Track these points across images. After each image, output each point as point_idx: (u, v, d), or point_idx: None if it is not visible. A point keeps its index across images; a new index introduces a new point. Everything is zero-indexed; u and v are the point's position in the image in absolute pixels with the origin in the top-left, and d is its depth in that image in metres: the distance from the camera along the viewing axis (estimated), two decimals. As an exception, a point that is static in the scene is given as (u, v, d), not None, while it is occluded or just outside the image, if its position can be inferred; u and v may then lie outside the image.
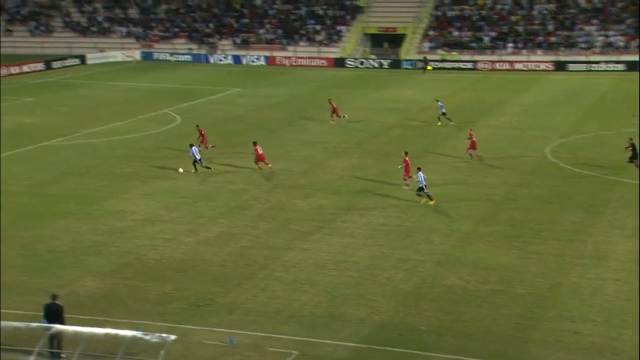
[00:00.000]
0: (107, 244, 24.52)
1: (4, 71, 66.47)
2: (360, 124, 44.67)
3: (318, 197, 29.79)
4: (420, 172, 28.23)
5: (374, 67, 73.35)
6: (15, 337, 16.55)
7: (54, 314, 17.09)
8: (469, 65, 70.45)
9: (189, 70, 72.98)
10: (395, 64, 73.71)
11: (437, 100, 44.98)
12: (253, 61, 77.60)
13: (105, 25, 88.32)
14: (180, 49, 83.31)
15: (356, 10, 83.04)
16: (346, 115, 44.56)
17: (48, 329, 16.25)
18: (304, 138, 40.87)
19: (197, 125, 36.95)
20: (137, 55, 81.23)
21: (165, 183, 31.79)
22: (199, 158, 32.74)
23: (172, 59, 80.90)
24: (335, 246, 24.45)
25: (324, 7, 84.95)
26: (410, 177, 29.58)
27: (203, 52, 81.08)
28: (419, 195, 28.29)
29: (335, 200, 29.37)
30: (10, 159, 35.26)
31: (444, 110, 43.19)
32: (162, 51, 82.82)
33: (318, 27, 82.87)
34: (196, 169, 32.69)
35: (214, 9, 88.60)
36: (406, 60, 74.15)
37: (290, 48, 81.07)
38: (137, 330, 16.82)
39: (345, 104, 52.26)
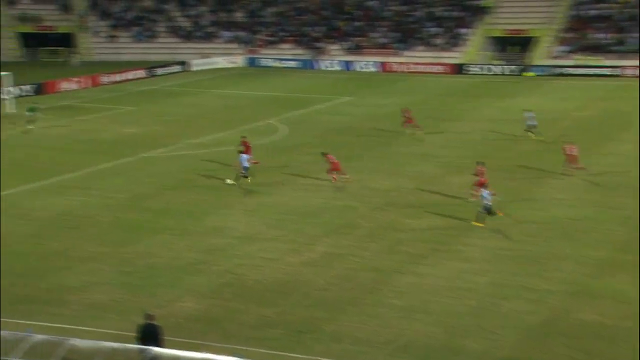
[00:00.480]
0: (205, 262, 25.17)
1: (106, 79, 70.10)
2: (482, 136, 43.93)
3: (432, 216, 29.48)
4: (484, 190, 27.90)
5: (499, 74, 72.00)
6: (110, 358, 17.17)
7: (150, 335, 17.15)
8: (611, 72, 67.79)
9: (296, 77, 74.26)
10: (524, 70, 72.02)
11: (527, 110, 43.67)
12: (364, 67, 78.05)
13: (210, 29, 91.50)
14: (287, 54, 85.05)
15: (480, 11, 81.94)
16: (420, 127, 44.19)
17: (144, 350, 16.47)
18: (418, 151, 40.63)
19: (243, 137, 37.27)
20: (241, 61, 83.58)
21: (267, 198, 32.37)
22: (246, 166, 33.43)
23: (278, 65, 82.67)
24: (452, 271, 24.04)
25: (444, 8, 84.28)
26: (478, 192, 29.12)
27: (311, 57, 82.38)
28: (480, 214, 27.77)
29: (451, 220, 28.93)
30: (109, 171, 37.01)
31: (530, 122, 42.10)
32: (268, 57, 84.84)
33: (437, 30, 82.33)
34: (238, 178, 33.59)
35: (324, 12, 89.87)
36: (536, 65, 72.37)
37: (406, 53, 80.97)
38: (235, 356, 17.06)
39: (466, 114, 51.45)
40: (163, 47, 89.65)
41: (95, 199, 32.25)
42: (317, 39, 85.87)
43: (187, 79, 74.18)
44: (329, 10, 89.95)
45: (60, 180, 35.17)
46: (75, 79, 66.81)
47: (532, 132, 42.12)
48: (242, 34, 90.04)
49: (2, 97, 56.87)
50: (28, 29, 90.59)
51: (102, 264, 24.89)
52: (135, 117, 52.29)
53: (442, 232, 27.55)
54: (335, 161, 33.96)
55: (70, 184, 34.65)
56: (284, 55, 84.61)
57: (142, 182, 35.10)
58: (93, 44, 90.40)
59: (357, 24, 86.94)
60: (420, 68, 76.15)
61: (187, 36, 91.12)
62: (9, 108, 54.25)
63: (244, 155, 33.98)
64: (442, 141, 42.95)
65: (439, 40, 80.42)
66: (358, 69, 78.85)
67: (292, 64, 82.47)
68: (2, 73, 55.54)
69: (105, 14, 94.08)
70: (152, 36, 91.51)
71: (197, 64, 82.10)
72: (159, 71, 76.78)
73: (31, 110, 47.29)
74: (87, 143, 43.60)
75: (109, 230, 28.23)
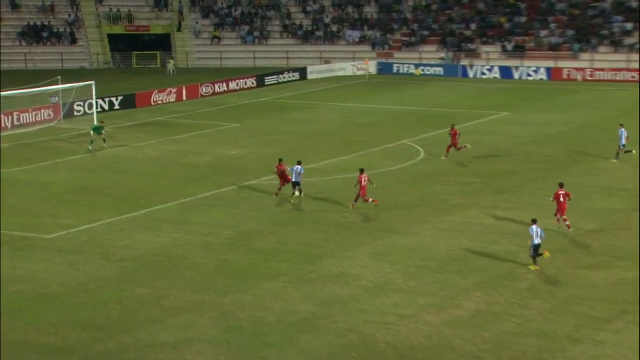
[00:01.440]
0: (324, 317, 25.36)
1: (206, 89, 72.52)
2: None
3: (620, 267, 28.66)
4: (534, 226, 28.67)
5: None
6: None
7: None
8: None
9: (439, 87, 74.26)
10: None
11: (621, 125, 44.00)
12: (529, 74, 77.15)
13: (333, 28, 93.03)
14: (429, 58, 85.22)
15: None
16: (468, 145, 44.98)
17: None
18: (600, 183, 39.74)
19: (281, 160, 38.61)
20: (371, 67, 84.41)
21: (402, 239, 32.38)
22: (296, 180, 36.73)
23: (417, 72, 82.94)
24: (643, 341, 23.20)
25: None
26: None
27: (460, 62, 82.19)
28: (533, 257, 28.82)
29: (644, 273, 28.00)
30: (209, 202, 38.04)
31: (623, 142, 43.54)
32: (404, 61, 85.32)
33: (628, 26, 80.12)
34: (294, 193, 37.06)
35: (478, 4, 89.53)
36: None
37: (585, 56, 79.33)
38: None
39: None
40: (275, 51, 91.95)
41: (193, 235, 33.21)
42: (467, 39, 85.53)
43: (303, 89, 75.60)
44: (483, 3, 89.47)
45: (150, 213, 36.47)
46: (171, 90, 69.48)
47: (625, 150, 43.69)
48: (372, 33, 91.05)
49: (79, 110, 59.90)
50: (117, 29, 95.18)
51: (199, 316, 25.50)
52: (240, 136, 53.69)
53: (634, 290, 26.60)
54: (364, 184, 35.56)
55: (162, 216, 35.85)
56: (424, 60, 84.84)
57: (248, 215, 35.88)
58: (192, 47, 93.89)
59: (520, 19, 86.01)
60: (604, 75, 74.26)
61: (304, 37, 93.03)
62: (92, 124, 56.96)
63: (299, 167, 37.36)
64: (632, 170, 41.65)
65: (630, 39, 78.19)
66: (520, 76, 77.96)
67: (434, 70, 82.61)
68: (82, 84, 58.44)
69: (207, 11, 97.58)
70: (262, 37, 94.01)
71: (316, 70, 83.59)
72: (270, 80, 78.69)
73: (96, 130, 49.11)
74: (183, 167, 45.12)
75: (209, 274, 28.92)
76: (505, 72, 78.67)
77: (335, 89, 75.90)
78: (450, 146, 45.41)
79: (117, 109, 63.95)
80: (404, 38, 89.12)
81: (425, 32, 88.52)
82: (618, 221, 33.83)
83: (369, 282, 27.88)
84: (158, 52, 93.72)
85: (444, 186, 39.99)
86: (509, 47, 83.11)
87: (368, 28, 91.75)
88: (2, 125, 54.51)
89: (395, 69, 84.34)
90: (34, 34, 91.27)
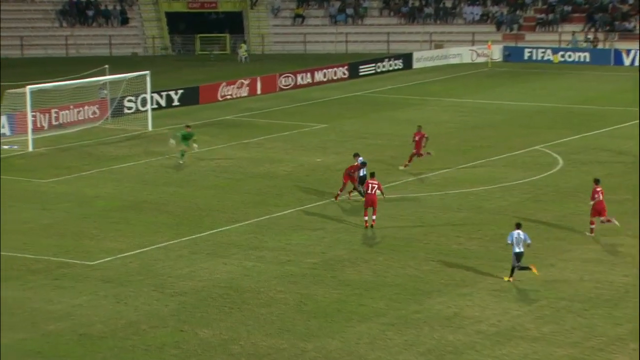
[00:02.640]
0: (432, 370, 25.20)
1: (286, 81, 72.88)
2: None
3: None
4: (517, 231, 30.73)
5: None
6: None
7: None
8: None
9: (585, 79, 73.31)
10: None
11: None
12: None
13: (447, 4, 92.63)
14: (571, 41, 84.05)
15: None
16: (431, 152, 45.49)
17: None
18: None
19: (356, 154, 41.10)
20: (496, 52, 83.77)
21: (531, 273, 31.84)
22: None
23: (556, 58, 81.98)
24: None
25: None
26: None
27: (613, 46, 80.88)
28: (512, 268, 30.97)
29: None
30: (289, 223, 38.04)
31: None
32: (539, 45, 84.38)
33: None
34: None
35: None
36: None
37: None
38: None
39: None
40: (374, 33, 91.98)
41: (268, 264, 33.32)
42: (625, 17, 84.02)
43: (407, 81, 75.49)
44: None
45: (215, 235, 36.71)
46: (242, 82, 70.06)
47: None
48: (497, 10, 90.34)
49: (130, 107, 60.82)
50: (178, 7, 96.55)
51: (274, 365, 25.60)
52: (328, 140, 53.80)
53: None
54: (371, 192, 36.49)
55: (230, 240, 36.05)
56: (565, 44, 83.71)
57: (337, 239, 35.87)
58: (270, 29, 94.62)
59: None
60: None
61: (410, 15, 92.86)
62: (147, 125, 57.83)
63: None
64: None
65: None
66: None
67: (578, 56, 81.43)
68: (135, 74, 59.31)
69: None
70: (357, 16, 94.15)
71: (424, 57, 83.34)
72: (366, 69, 78.73)
73: (184, 138, 48.03)
74: (257, 179, 45.35)
75: (288, 313, 28.89)
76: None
77: (449, 80, 75.54)
78: (414, 155, 45.32)
79: (176, 106, 64.81)
80: (538, 15, 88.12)
81: (567, 8, 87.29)
82: None
83: (490, 327, 27.54)
84: (227, 35, 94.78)
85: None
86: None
87: (492, 3, 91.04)
88: (38, 125, 55.63)
89: (527, 55, 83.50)
90: (77, 13, 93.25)
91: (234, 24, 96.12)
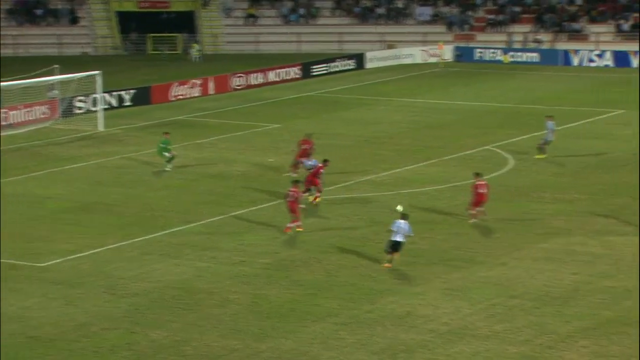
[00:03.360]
0: (385, 369, 25.24)
1: (238, 81, 72.81)
2: None
3: None
4: (402, 221, 32.09)
5: None
6: None
7: None
8: None
9: (534, 79, 73.79)
10: None
11: (549, 118, 48.09)
12: None
13: (399, 4, 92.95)
14: (521, 42, 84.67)
15: None
16: (291, 174, 43.50)
17: None
18: None
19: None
20: (447, 52, 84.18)
21: (485, 271, 32.14)
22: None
23: (506, 58, 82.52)
24: None
25: None
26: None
27: (561, 47, 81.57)
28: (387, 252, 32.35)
29: None
30: (241, 222, 38.08)
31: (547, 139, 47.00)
32: (489, 46, 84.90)
33: None
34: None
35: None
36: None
37: None
38: None
39: None
40: (326, 33, 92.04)
41: (221, 265, 33.24)
42: (573, 18, 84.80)
43: (359, 81, 75.61)
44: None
45: (168, 236, 36.58)
46: (195, 82, 69.88)
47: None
48: (448, 10, 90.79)
49: (80, 107, 60.42)
50: (129, 6, 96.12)
51: (227, 366, 25.52)
52: (281, 140, 53.75)
53: None
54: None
55: (183, 241, 35.92)
56: (515, 45, 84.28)
57: (290, 240, 35.86)
58: (222, 29, 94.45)
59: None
60: None
61: (362, 16, 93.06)
62: (98, 125, 57.48)
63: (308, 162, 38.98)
64: None
65: None
66: None
67: (528, 57, 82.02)
68: (85, 74, 58.91)
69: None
70: (309, 16, 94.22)
71: (376, 57, 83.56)
72: (318, 69, 78.79)
73: (163, 149, 46.56)
74: (210, 179, 45.29)
75: (241, 314, 28.84)
76: (621, 58, 77.76)
77: (401, 80, 75.79)
78: (297, 163, 44.15)
79: (128, 106, 64.54)
80: (488, 16, 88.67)
81: (516, 10, 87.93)
82: None
83: (442, 326, 27.63)
84: (179, 35, 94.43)
85: (540, 204, 39.63)
86: (626, 26, 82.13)
87: (443, 4, 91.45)
88: (-14, 126, 55.17)
89: (477, 56, 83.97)
90: (25, 12, 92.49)
91: (186, 23, 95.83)
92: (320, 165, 40.32)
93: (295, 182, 37.37)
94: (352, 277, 31.80)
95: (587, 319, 27.98)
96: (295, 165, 44.09)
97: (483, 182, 37.36)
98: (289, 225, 36.35)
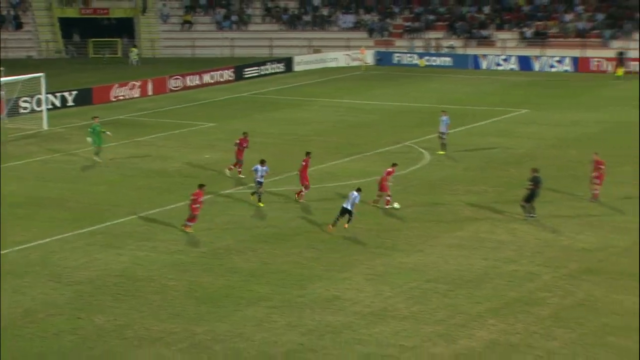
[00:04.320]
0: (313, 349, 25.33)
1: (175, 82, 72.57)
2: None
3: (657, 291, 28.77)
4: (355, 192, 35.17)
5: None
6: None
7: None
8: None
9: (448, 81, 74.46)
10: None
11: (444, 113, 48.79)
12: (553, 65, 77.51)
13: (324, 12, 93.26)
14: (436, 47, 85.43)
15: None
16: (226, 172, 44.15)
17: None
18: (635, 193, 39.82)
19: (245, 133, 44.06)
20: (369, 57, 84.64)
21: (404, 257, 32.50)
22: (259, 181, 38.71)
23: (422, 62, 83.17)
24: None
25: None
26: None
27: (472, 52, 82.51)
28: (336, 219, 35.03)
29: (686, 298, 28.17)
30: (179, 214, 37.99)
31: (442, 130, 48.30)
32: (407, 51, 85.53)
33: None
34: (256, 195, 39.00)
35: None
36: None
37: (617, 44, 79.58)
38: None
39: None
40: (257, 38, 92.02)
41: (160, 254, 33.23)
42: (481, 25, 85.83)
43: (289, 82, 75.72)
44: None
45: (110, 227, 36.49)
46: (134, 83, 69.50)
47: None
48: (369, 18, 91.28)
49: (25, 107, 59.84)
50: (71, 13, 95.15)
51: (167, 348, 25.45)
52: (216, 138, 53.74)
53: (671, 316, 26.75)
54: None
55: (124, 232, 35.86)
56: (430, 50, 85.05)
57: (225, 230, 35.92)
58: (159, 34, 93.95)
59: (542, 1, 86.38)
60: None
61: (290, 22, 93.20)
62: (43, 124, 56.96)
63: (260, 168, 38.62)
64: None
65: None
66: (541, 68, 78.25)
67: (442, 61, 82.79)
68: (29, 76, 58.33)
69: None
70: (241, 22, 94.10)
71: (304, 61, 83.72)
72: (250, 72, 78.79)
73: (95, 132, 46.78)
74: (149, 175, 45.13)
75: (179, 299, 28.89)
76: (524, 62, 78.88)
77: (327, 82, 76.03)
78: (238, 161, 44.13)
79: (71, 106, 64.01)
80: (406, 23, 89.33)
81: (431, 17, 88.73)
82: (657, 237, 34.03)
83: (365, 308, 27.93)
84: (119, 40, 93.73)
85: (453, 196, 40.14)
86: (529, 33, 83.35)
87: (364, 12, 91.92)
88: None
89: (396, 60, 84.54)
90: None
91: (125, 29, 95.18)
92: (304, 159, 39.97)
93: (201, 185, 36.49)
94: (284, 265, 31.97)
95: (495, 300, 28.48)
96: (238, 164, 44.04)
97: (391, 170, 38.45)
98: (188, 224, 35.78)
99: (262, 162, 39.03)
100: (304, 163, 39.90)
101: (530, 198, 36.41)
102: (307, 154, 40.45)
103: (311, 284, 30.09)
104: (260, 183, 38.78)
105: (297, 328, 26.61)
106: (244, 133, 45.56)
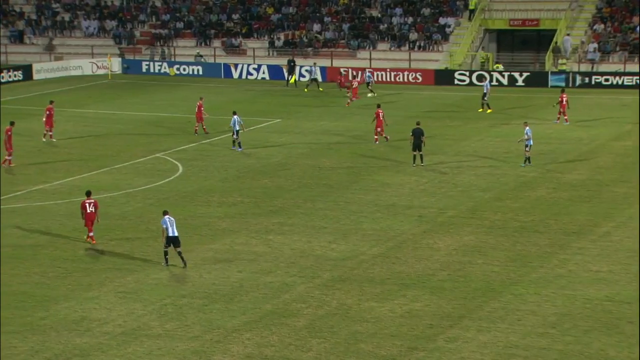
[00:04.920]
0: (63, 375, 24.79)
1: None
2: (477, 178, 44.67)
3: (408, 297, 29.70)
4: (168, 216, 32.94)
5: (502, 85, 73.47)
6: None
7: None
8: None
9: (199, 90, 74.30)
10: (537, 80, 73.76)
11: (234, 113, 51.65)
12: (303, 75, 78.68)
13: (65, 16, 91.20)
14: (186, 55, 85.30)
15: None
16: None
17: None
18: (383, 200, 41.07)
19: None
20: (115, 65, 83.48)
21: (157, 273, 32.17)
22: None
23: (172, 71, 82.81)
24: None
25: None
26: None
27: (222, 60, 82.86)
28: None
29: (436, 303, 29.20)
30: None
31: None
32: (155, 60, 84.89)
33: (409, 21, 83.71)
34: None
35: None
36: (555, 72, 74.22)
37: (362, 54, 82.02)
38: None
39: (454, 144, 52.30)
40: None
41: None
42: (230, 33, 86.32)
43: (27, 91, 73.73)
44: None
45: None
46: None
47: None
48: (114, 23, 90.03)
49: None
50: None
51: None
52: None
53: (423, 322, 27.65)
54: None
55: None
56: (180, 58, 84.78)
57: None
58: None
59: (289, 11, 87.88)
60: (386, 76, 77.05)
61: (28, 26, 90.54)
62: None
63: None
64: (418, 185, 43.49)
65: (413, 36, 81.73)
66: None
67: (193, 69, 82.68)
68: None
69: None
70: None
71: (45, 69, 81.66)
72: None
73: None
74: None
75: None
76: (276, 71, 79.90)
77: (71, 91, 74.53)
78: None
79: None
80: (153, 31, 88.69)
81: (180, 24, 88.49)
82: (404, 243, 35.06)
83: (116, 328, 27.46)
84: None
85: (207, 208, 40.09)
86: (279, 42, 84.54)
87: (108, 18, 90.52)
88: None
89: (145, 68, 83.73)
90: None
91: None
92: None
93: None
94: (24, 285, 30.99)
95: (250, 312, 28.61)
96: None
97: (92, 200, 35.43)
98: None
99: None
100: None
101: (416, 147, 46.00)
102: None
103: (56, 304, 29.28)
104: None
105: (40, 353, 25.82)
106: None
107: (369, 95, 66.76)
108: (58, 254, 34.18)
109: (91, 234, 35.33)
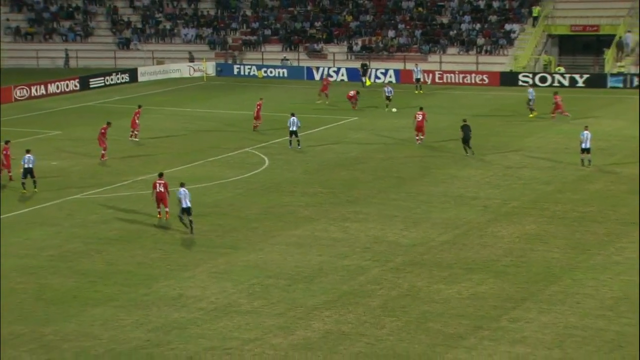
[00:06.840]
0: (160, 344, 25.16)
1: (21, 92, 70.55)
2: (539, 171, 44.30)
3: (473, 281, 29.65)
4: (184, 189, 34.77)
5: (563, 86, 72.62)
6: None
7: None
8: None
9: (283, 91, 74.80)
10: (597, 81, 72.76)
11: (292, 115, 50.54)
12: (378, 77, 78.66)
13: (166, 25, 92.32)
14: (273, 59, 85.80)
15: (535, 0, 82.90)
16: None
17: None
18: (451, 191, 40.93)
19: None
20: (209, 68, 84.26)
21: (246, 256, 32.54)
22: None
23: (260, 74, 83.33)
24: (501, 358, 24.07)
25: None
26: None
27: (305, 64, 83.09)
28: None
29: (500, 286, 29.11)
30: (26, 220, 37.08)
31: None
32: (246, 63, 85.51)
33: (477, 27, 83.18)
34: None
35: (323, 2, 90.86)
36: (614, 74, 73.14)
37: (433, 58, 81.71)
38: None
39: (518, 140, 51.85)
40: (100, 50, 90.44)
41: (8, 258, 32.32)
42: (312, 39, 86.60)
43: (133, 92, 74.70)
44: (329, 1, 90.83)
45: (-41, 233, 35.29)
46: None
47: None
48: (209, 31, 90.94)
49: None
50: None
51: (15, 349, 24.85)
52: (62, 145, 52.57)
53: (487, 304, 27.61)
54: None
55: (-28, 237, 34.73)
56: (268, 61, 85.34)
57: (72, 234, 35.21)
58: (3, 45, 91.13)
59: (367, 18, 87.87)
60: (454, 78, 76.78)
61: (134, 34, 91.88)
62: None
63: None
64: (483, 177, 43.25)
65: (480, 40, 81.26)
66: (370, 78, 79.38)
67: (278, 72, 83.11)
68: None
69: (20, 4, 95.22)
70: (86, 34, 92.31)
71: (148, 72, 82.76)
72: (96, 82, 77.38)
73: None
74: (-3, 181, 43.83)
75: (27, 302, 28.23)
76: (353, 74, 79.96)
77: (170, 92, 75.38)
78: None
79: None
80: (244, 37, 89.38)
81: (268, 31, 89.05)
82: (470, 231, 34.98)
83: (209, 304, 27.85)
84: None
85: (290, 197, 40.38)
86: (357, 47, 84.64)
87: (205, 26, 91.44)
88: None
89: (236, 71, 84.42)
90: None
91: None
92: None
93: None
94: (129, 265, 31.61)
95: (329, 293, 28.82)
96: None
97: (163, 181, 36.58)
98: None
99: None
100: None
101: (465, 140, 46.51)
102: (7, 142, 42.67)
103: (157, 283, 29.81)
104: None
105: (143, 325, 26.33)
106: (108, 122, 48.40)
107: (393, 110, 62.34)
108: (158, 237, 34.79)
109: (160, 209, 36.70)
